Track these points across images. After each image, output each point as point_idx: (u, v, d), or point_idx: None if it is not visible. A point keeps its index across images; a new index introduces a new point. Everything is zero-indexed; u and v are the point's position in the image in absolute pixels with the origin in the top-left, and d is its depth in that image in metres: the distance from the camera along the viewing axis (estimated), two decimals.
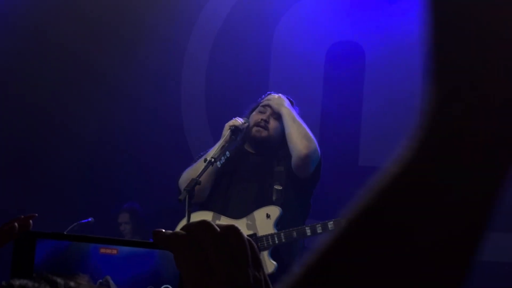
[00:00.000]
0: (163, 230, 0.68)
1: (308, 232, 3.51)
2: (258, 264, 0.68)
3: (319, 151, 3.69)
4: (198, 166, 3.57)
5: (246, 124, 3.71)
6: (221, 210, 3.65)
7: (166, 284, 0.76)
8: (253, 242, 0.69)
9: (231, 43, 6.01)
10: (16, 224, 0.84)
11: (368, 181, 0.51)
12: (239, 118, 3.74)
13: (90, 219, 5.05)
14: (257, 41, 5.98)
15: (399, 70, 5.75)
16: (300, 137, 3.63)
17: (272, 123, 3.76)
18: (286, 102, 3.76)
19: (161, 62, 6.07)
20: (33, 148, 6.01)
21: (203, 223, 0.68)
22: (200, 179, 3.35)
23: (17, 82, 6.07)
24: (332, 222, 3.49)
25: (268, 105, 3.80)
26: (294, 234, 3.51)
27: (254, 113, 3.81)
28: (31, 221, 0.86)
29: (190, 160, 3.93)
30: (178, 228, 3.57)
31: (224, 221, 3.61)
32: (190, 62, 6.13)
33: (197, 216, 3.56)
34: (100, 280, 0.81)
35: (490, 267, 5.08)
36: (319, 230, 3.51)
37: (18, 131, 6.02)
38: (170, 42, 6.09)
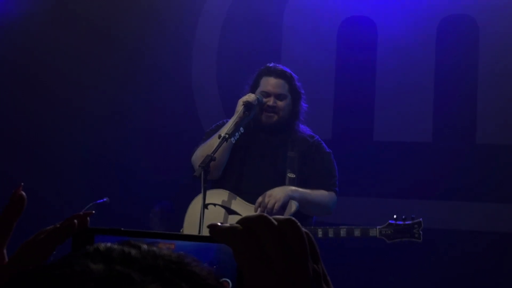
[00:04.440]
0: (219, 224, 0.68)
1: (320, 234, 3.54)
2: (316, 257, 0.68)
3: (335, 200, 3.74)
4: (212, 142, 3.54)
5: (259, 100, 3.68)
6: (234, 190, 3.63)
7: (225, 278, 0.77)
8: (311, 235, 0.68)
9: (242, 20, 5.97)
10: (75, 221, 0.86)
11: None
12: (252, 94, 3.71)
13: (105, 199, 5.07)
14: (268, 17, 5.94)
15: (411, 45, 5.70)
16: (319, 212, 3.77)
17: (279, 104, 3.74)
18: (285, 193, 3.56)
19: (172, 40, 6.05)
20: (48, 130, 6.05)
21: (261, 217, 0.68)
22: (215, 156, 3.33)
23: (38, 74, 6.11)
24: (345, 228, 3.56)
25: (267, 91, 3.75)
26: None
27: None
28: (88, 218, 0.88)
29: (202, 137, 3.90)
30: (192, 205, 3.58)
31: (239, 203, 3.60)
32: (201, 39, 6.11)
33: (213, 194, 3.56)
34: None
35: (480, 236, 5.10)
36: (330, 234, 3.54)
37: (36, 115, 6.06)
38: (181, 19, 6.06)
